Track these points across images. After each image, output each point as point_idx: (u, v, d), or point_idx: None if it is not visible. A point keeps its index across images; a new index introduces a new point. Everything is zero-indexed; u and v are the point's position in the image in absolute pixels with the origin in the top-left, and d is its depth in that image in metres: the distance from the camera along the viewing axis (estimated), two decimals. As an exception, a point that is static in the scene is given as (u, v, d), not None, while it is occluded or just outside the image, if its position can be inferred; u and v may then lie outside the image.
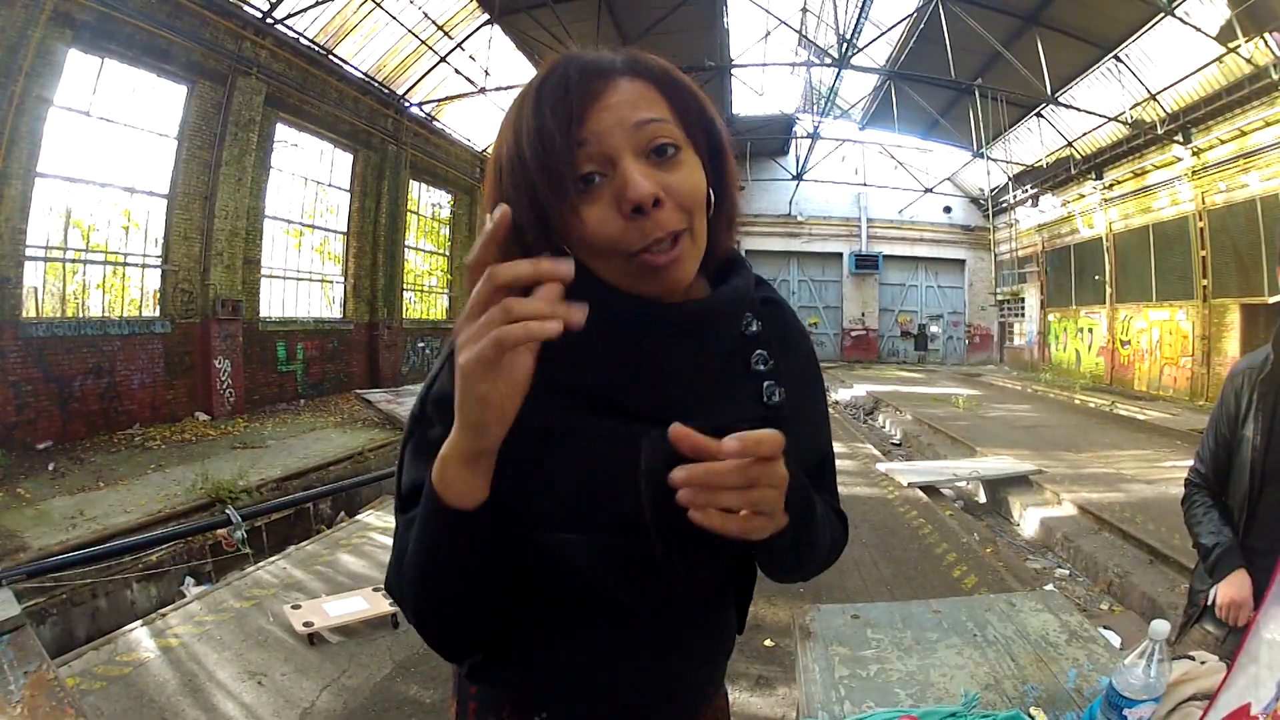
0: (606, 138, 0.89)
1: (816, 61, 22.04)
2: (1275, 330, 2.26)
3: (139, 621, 4.89)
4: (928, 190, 32.58)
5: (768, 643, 4.73)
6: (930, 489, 9.63)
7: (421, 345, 22.02)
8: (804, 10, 23.00)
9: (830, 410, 1.25)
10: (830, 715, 1.82)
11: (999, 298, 32.57)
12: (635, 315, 0.94)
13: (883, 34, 21.36)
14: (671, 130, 0.93)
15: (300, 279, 17.76)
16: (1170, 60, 17.68)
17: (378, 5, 16.43)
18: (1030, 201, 28.23)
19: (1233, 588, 2.25)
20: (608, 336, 0.91)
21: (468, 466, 0.86)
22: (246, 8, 14.16)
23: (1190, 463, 2.61)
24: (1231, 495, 2.39)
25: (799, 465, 1.00)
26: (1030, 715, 1.77)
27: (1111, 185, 22.85)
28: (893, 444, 15.18)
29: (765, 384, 1.07)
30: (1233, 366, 2.44)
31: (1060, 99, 20.23)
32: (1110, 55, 18.94)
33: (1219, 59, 16.32)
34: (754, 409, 1.06)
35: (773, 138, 31.89)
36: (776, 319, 1.14)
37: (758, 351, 1.08)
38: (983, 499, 10.31)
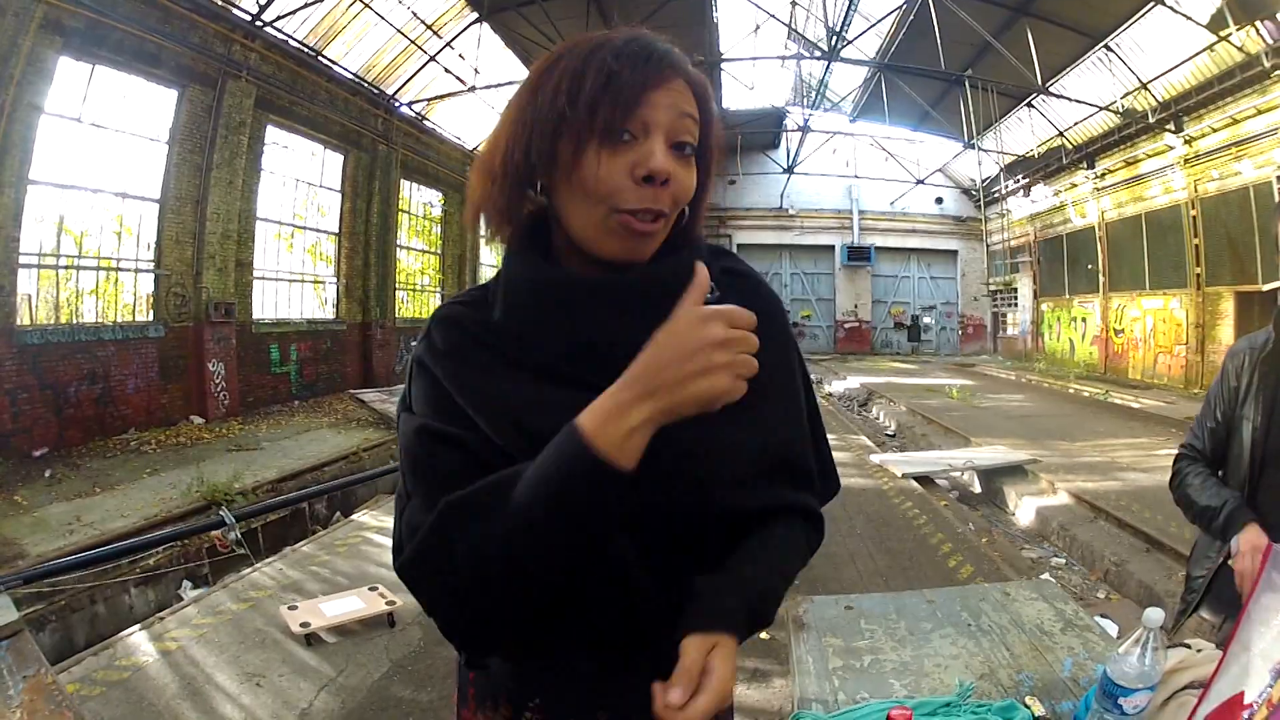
0: (654, 114, 0.99)
1: (806, 55, 21.98)
2: (1276, 311, 2.25)
3: (137, 626, 4.89)
4: (919, 182, 32.60)
5: (763, 635, 4.73)
6: (925, 480, 9.65)
7: (415, 344, 21.94)
8: (793, 3, 22.92)
9: (809, 376, 1.25)
10: (824, 706, 1.82)
11: (992, 288, 32.62)
12: (575, 288, 1.03)
13: (872, 26, 21.36)
14: (695, 134, 1.04)
15: (293, 280, 17.71)
16: (1161, 49, 17.68)
17: (366, 6, 16.40)
18: (1022, 191, 28.23)
19: (1254, 533, 2.11)
20: (558, 313, 1.03)
21: (645, 426, 0.88)
22: (235, 11, 14.09)
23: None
24: (1230, 477, 2.35)
25: (773, 448, 1.12)
26: (1025, 705, 1.77)
27: (1103, 174, 22.87)
28: (887, 435, 15.21)
29: None
30: (1232, 347, 2.40)
31: (1051, 89, 20.23)
32: (1101, 44, 18.95)
33: (1210, 47, 16.32)
34: None
35: (764, 131, 31.85)
36: (741, 290, 1.17)
37: None
38: (978, 489, 10.33)
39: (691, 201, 1.09)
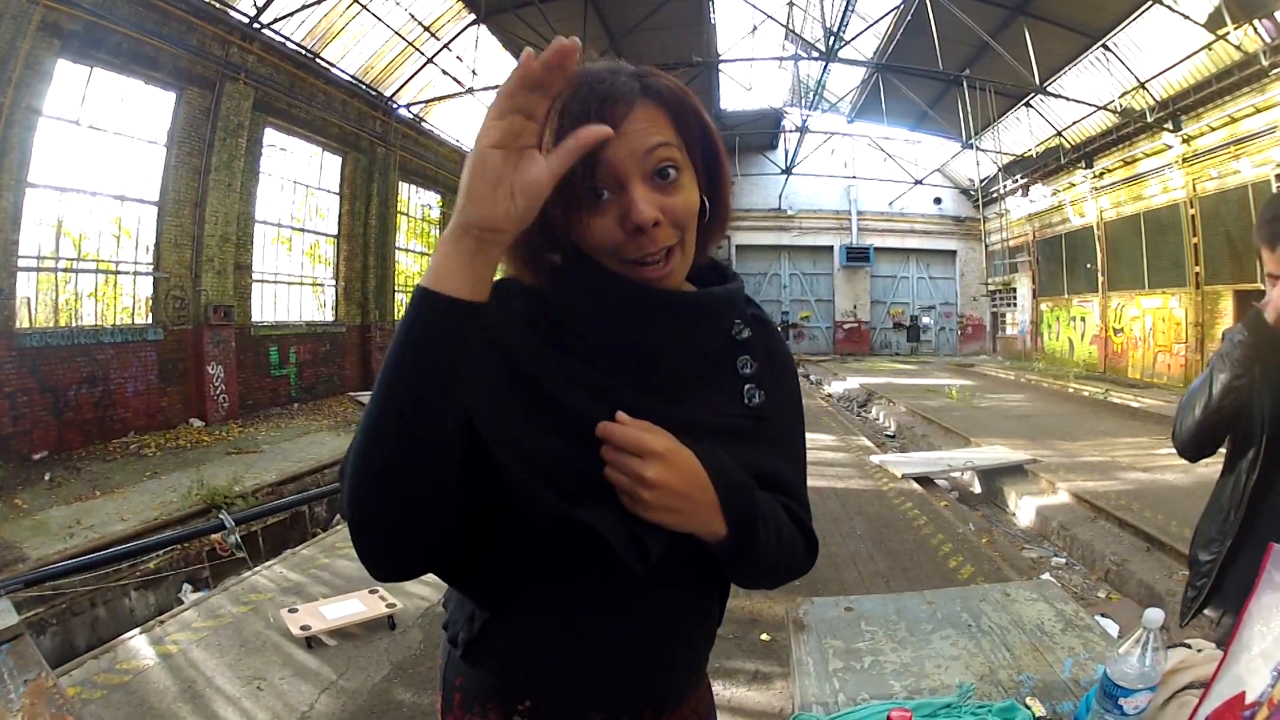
0: (619, 165, 0.98)
1: (804, 55, 21.96)
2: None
3: (138, 629, 4.88)
4: (918, 182, 32.63)
5: (764, 637, 4.74)
6: (925, 480, 9.65)
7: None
8: (790, 4, 22.92)
9: (806, 433, 1.29)
10: (825, 708, 1.82)
11: (991, 288, 32.65)
12: (630, 292, 1.04)
13: (870, 26, 21.38)
14: (674, 153, 1.03)
15: (291, 283, 17.71)
16: (1159, 48, 17.72)
17: (364, 8, 16.41)
18: (1020, 191, 28.27)
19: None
20: (605, 308, 1.04)
21: (477, 244, 0.86)
22: (233, 13, 14.11)
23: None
24: (1237, 453, 2.31)
25: (769, 479, 1.16)
26: (1026, 706, 1.76)
27: (1102, 174, 22.91)
28: (886, 436, 15.20)
29: (747, 387, 1.17)
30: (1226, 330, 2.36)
31: (1049, 89, 20.25)
32: (1099, 44, 18.99)
33: (1208, 46, 16.36)
34: (735, 407, 1.16)
35: (762, 132, 31.90)
36: (766, 336, 1.24)
37: (744, 356, 1.18)
38: (978, 489, 10.33)
39: (712, 199, 1.13)
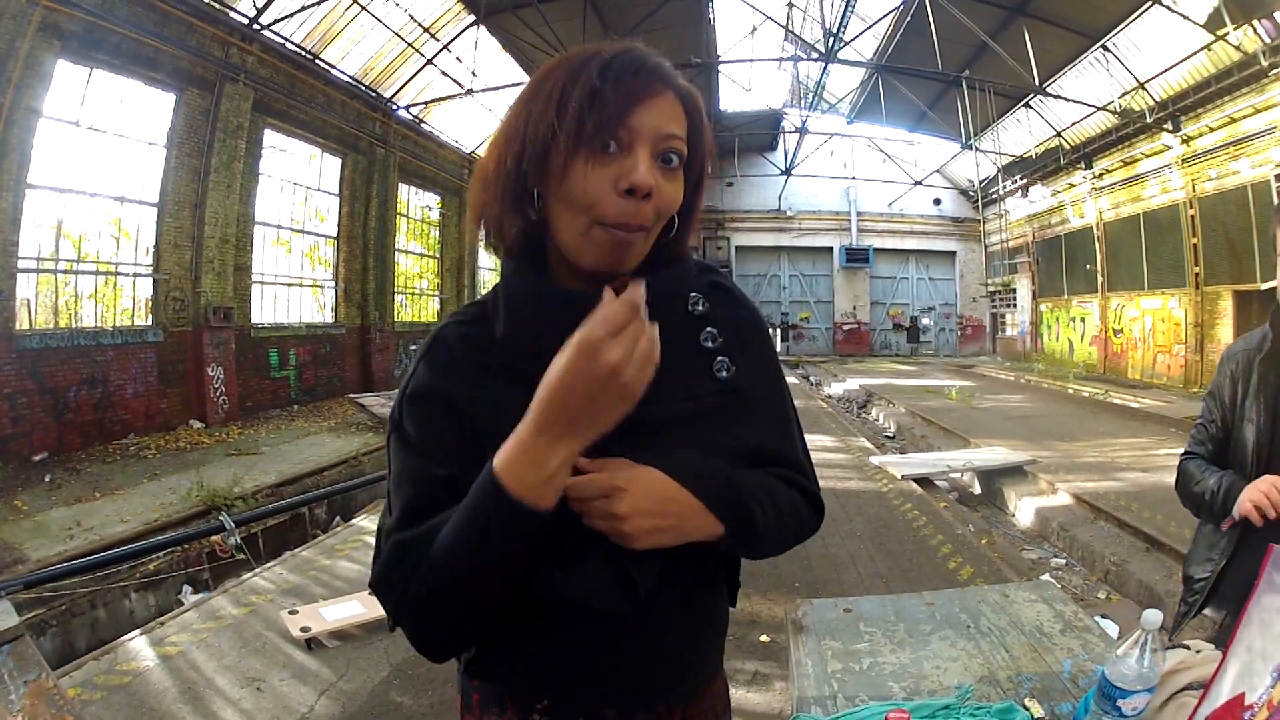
0: (639, 130, 1.00)
1: (803, 56, 21.99)
2: (1273, 310, 2.25)
3: (138, 631, 4.88)
4: (917, 183, 32.65)
5: (764, 638, 4.74)
6: (924, 481, 9.63)
7: (414, 348, 21.92)
8: (790, 5, 22.94)
9: (787, 381, 1.29)
10: (823, 709, 1.82)
11: (990, 289, 32.67)
12: (573, 303, 0.99)
13: (869, 27, 21.40)
14: (682, 147, 1.06)
15: (291, 284, 17.72)
16: (1159, 49, 17.73)
17: (364, 9, 16.41)
18: (1020, 192, 28.29)
19: (1256, 484, 2.09)
20: (555, 326, 0.97)
21: (564, 465, 0.94)
22: (233, 14, 14.12)
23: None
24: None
25: (757, 453, 1.17)
26: (1025, 707, 1.76)
27: (1101, 174, 22.92)
28: (886, 437, 15.19)
29: (716, 361, 1.17)
30: (1228, 349, 2.41)
31: (1048, 89, 20.26)
32: (1098, 44, 19.00)
33: (1208, 47, 16.37)
34: (706, 385, 1.16)
35: (761, 133, 31.93)
36: (725, 302, 1.23)
37: (707, 329, 1.18)
38: (977, 490, 10.33)
39: (681, 213, 1.12)
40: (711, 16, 20.78)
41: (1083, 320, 25.48)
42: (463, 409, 1.06)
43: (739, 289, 1.29)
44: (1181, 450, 2.55)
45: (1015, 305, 31.10)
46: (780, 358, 1.29)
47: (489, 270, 25.52)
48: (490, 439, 0.99)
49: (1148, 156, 20.41)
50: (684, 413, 1.11)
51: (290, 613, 4.95)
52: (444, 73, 20.36)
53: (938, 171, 33.13)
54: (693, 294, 1.20)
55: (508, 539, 0.94)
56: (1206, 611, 2.35)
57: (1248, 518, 2.08)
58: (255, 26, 14.55)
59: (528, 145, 1.02)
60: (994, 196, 30.39)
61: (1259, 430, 2.22)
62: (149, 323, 13.26)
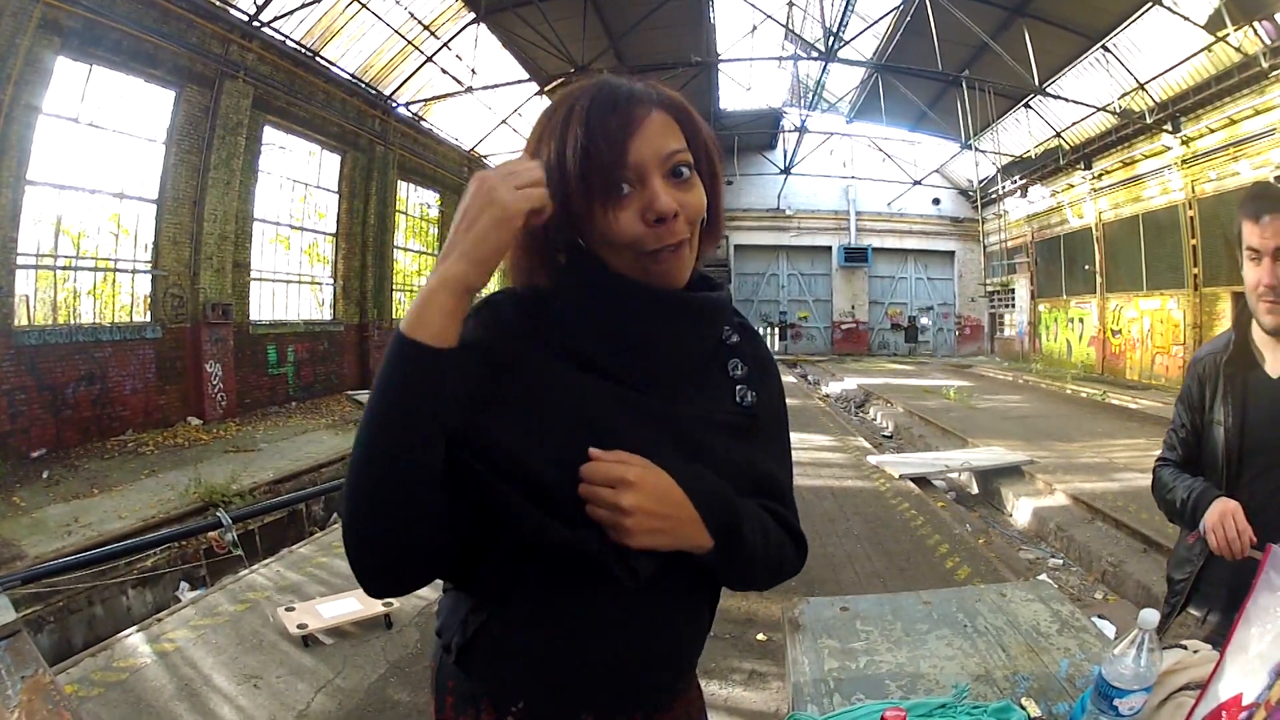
0: (643, 162, 1.06)
1: (803, 55, 21.98)
2: (1235, 312, 2.29)
3: (135, 627, 4.88)
4: (916, 183, 32.65)
5: (760, 637, 4.74)
6: (922, 481, 9.64)
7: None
8: (790, 4, 22.91)
9: (784, 380, 1.38)
10: (820, 708, 1.83)
11: (989, 289, 32.69)
12: (633, 288, 1.11)
13: (869, 26, 21.38)
14: (687, 157, 1.11)
15: (290, 281, 17.71)
16: (1159, 49, 17.72)
17: (363, 6, 16.39)
18: (1019, 192, 28.27)
19: (1218, 507, 2.14)
20: (609, 310, 1.12)
21: (456, 300, 0.96)
22: (233, 11, 14.09)
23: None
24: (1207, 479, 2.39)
25: (764, 478, 1.24)
26: (1021, 706, 1.76)
27: (1100, 175, 22.92)
28: (884, 436, 15.20)
29: (738, 387, 1.23)
30: (1195, 354, 2.47)
31: (1048, 89, 20.25)
32: (1098, 45, 18.99)
33: (1208, 48, 16.36)
34: (729, 405, 1.22)
35: (760, 132, 31.90)
36: (752, 342, 1.31)
37: (734, 359, 1.26)
38: (975, 490, 10.33)
39: (709, 208, 1.17)
40: (711, 15, 20.75)
41: (1081, 321, 25.48)
42: (503, 361, 1.09)
43: (760, 337, 1.36)
44: (1156, 457, 2.59)
45: (1014, 305, 31.12)
46: (778, 357, 1.32)
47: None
48: (522, 399, 1.07)
49: (1147, 157, 20.40)
50: (708, 420, 1.17)
51: (287, 609, 4.95)
52: (444, 70, 20.35)
53: (937, 171, 33.12)
54: (727, 326, 1.27)
55: (411, 382, 0.95)
56: (1190, 610, 2.38)
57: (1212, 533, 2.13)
58: (255, 23, 14.53)
59: (550, 217, 1.05)
60: (993, 196, 30.39)
61: (1228, 432, 2.27)
62: (147, 319, 13.24)
